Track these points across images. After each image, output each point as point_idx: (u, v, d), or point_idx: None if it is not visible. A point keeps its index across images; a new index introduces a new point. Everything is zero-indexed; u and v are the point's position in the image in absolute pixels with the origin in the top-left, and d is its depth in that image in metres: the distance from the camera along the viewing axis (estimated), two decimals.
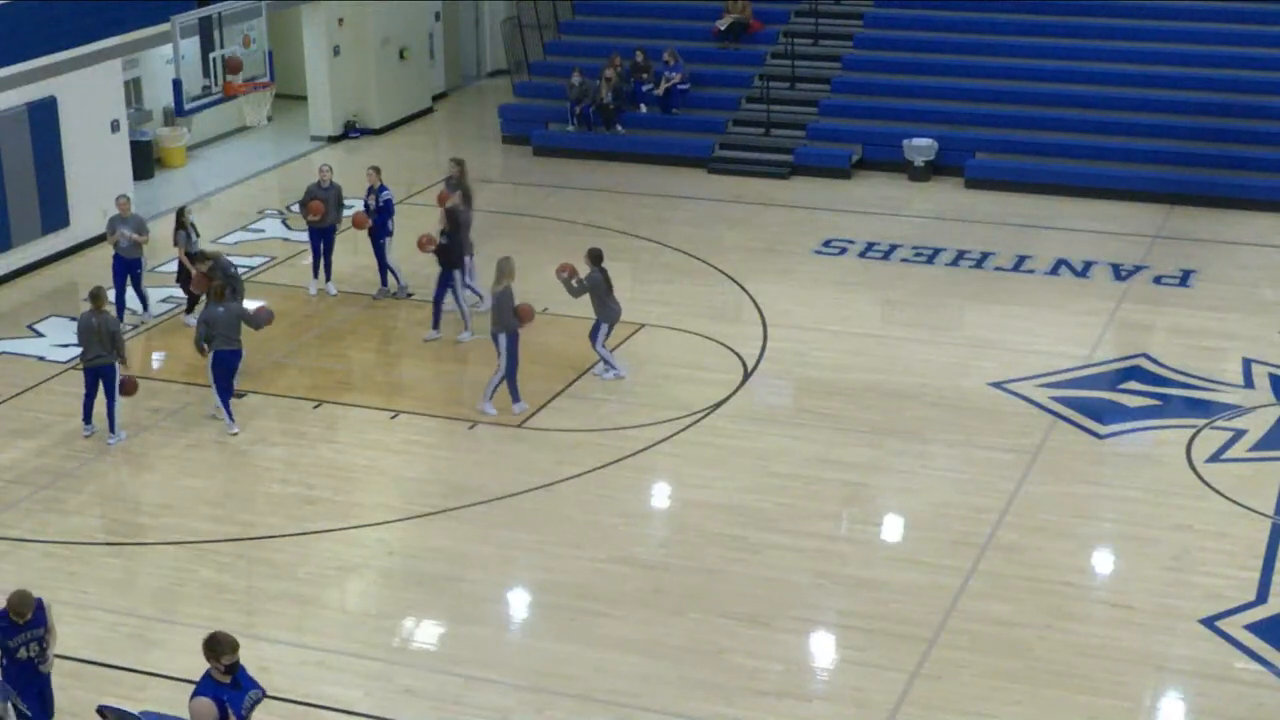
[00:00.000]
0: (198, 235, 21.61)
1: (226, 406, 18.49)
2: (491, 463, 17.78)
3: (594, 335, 19.70)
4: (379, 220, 22.09)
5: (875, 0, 31.22)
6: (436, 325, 20.94)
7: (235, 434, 18.37)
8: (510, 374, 18.75)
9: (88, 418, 18.37)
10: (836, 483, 17.18)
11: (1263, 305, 21.95)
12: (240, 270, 21.23)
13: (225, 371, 18.47)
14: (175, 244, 21.45)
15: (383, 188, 22.26)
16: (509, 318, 18.56)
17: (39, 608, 12.12)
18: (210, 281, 19.08)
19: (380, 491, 17.33)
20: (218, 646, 10.89)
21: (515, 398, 18.86)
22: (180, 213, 21.60)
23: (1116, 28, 29.52)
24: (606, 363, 19.74)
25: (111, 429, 18.28)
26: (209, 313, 18.35)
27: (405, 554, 15.99)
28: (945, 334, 21.27)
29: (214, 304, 18.39)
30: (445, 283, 20.82)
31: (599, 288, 19.50)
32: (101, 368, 18.06)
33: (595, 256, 19.65)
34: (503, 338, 18.60)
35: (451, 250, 20.71)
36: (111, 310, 19.11)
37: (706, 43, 31.20)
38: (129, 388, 18.26)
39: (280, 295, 22.52)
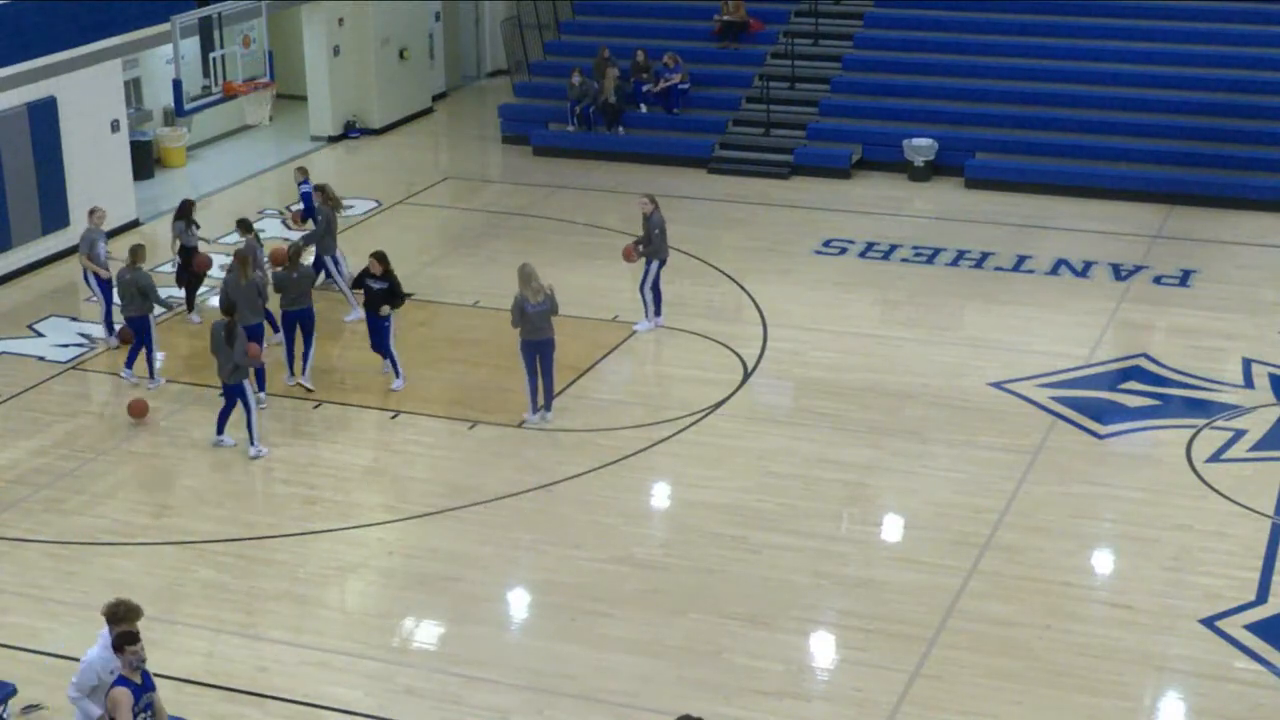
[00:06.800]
0: (198, 227, 21.72)
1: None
2: (491, 463, 17.77)
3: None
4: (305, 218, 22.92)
5: (875, 0, 31.24)
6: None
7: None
8: (529, 382, 18.55)
9: (130, 362, 19.91)
10: (836, 483, 17.17)
11: (1263, 305, 21.94)
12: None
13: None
14: (174, 232, 21.73)
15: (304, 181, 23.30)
16: (522, 326, 18.32)
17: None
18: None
19: (380, 491, 17.33)
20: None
21: (531, 407, 18.64)
22: (188, 205, 21.82)
23: (1116, 28, 29.53)
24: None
25: (151, 375, 19.73)
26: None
27: (405, 554, 15.98)
28: (945, 334, 21.26)
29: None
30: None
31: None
32: (134, 319, 19.58)
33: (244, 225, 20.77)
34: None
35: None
36: (144, 267, 19.90)
37: (707, 43, 31.20)
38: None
39: None
